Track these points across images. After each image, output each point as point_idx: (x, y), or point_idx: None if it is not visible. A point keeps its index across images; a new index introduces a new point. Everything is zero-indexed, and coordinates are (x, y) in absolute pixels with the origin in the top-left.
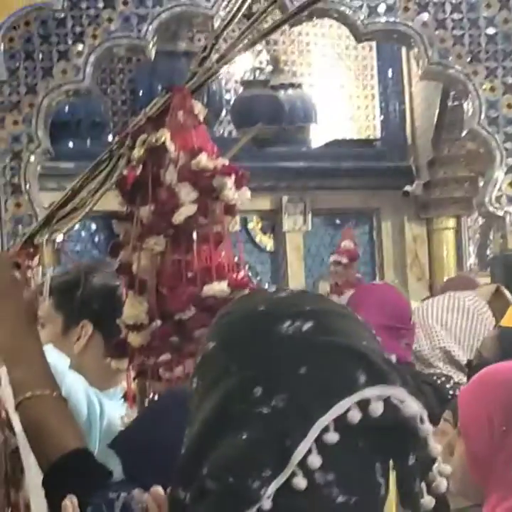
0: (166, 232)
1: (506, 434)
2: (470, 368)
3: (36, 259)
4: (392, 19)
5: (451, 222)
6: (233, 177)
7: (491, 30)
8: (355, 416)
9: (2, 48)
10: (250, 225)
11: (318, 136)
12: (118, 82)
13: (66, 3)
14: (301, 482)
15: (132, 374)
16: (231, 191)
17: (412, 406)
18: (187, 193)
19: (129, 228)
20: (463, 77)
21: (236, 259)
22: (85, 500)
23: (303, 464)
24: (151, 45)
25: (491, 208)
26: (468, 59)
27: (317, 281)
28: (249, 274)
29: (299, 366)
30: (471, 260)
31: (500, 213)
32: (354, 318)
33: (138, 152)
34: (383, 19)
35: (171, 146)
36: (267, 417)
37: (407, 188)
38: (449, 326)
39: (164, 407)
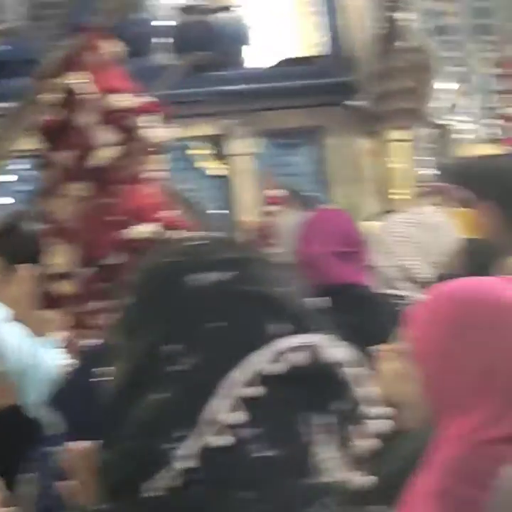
0: (87, 176)
1: (460, 354)
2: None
3: None
4: None
5: (399, 135)
6: (155, 114)
7: None
8: (275, 367)
9: None
10: (198, 152)
11: (260, 57)
12: None
13: None
14: (224, 439)
15: (64, 322)
16: (154, 129)
17: (335, 352)
18: (106, 135)
19: (52, 175)
20: None
21: (187, 187)
22: (18, 457)
23: (225, 420)
24: None
25: (436, 119)
26: None
27: None
28: (199, 202)
29: (215, 319)
30: (422, 171)
31: (446, 123)
32: (274, 264)
33: (52, 95)
34: None
35: (86, 88)
36: (184, 374)
37: (352, 103)
38: (410, 241)
39: (94, 359)
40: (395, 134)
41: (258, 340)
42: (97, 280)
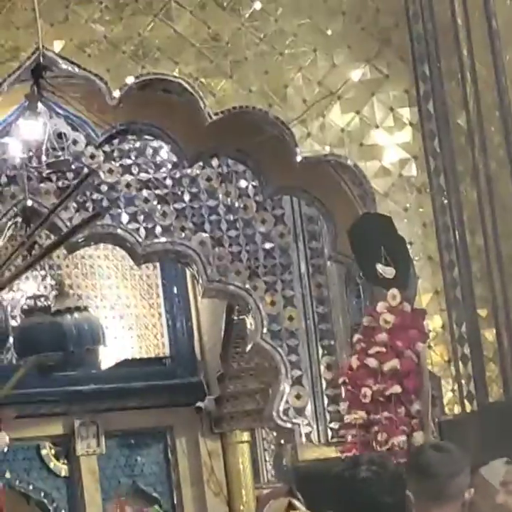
0: None
1: None
2: None
3: None
4: (169, 239)
5: (245, 436)
6: None
7: (267, 245)
8: None
9: None
10: (44, 452)
11: (108, 356)
12: None
13: None
14: None
15: None
16: None
17: None
18: None
19: None
20: (243, 293)
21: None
22: None
23: None
24: None
25: (279, 421)
26: (248, 274)
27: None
28: (45, 501)
29: None
30: (268, 471)
31: (289, 425)
32: None
33: None
34: (162, 240)
35: None
36: None
37: (199, 404)
38: None
39: None
40: (240, 435)
41: None
42: None
